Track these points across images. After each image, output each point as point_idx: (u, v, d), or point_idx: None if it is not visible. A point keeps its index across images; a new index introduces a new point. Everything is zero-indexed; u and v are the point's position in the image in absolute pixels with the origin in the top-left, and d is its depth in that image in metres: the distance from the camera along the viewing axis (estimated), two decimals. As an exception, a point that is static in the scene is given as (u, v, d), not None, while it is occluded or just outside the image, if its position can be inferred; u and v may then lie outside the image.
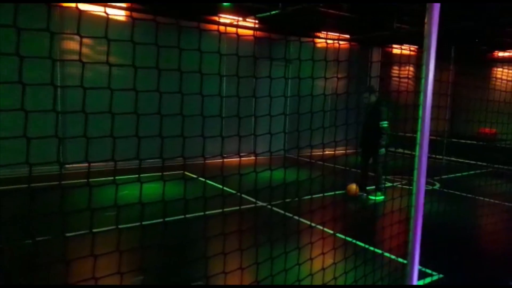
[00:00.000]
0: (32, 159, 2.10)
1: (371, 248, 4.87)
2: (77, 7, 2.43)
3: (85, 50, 8.53)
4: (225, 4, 9.87)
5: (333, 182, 7.05)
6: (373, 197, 7.51)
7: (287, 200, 3.57)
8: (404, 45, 13.38)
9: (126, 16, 9.10)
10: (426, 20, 2.97)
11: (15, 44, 2.15)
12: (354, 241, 4.90)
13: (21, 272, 3.79)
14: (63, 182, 6.79)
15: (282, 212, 3.97)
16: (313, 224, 3.73)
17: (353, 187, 7.37)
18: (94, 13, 8.37)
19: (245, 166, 3.32)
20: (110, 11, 8.75)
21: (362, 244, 4.89)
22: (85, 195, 2.47)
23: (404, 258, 3.31)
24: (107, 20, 2.46)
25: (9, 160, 2.17)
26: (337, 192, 6.82)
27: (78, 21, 2.90)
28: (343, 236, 4.24)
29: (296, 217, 3.79)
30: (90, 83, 2.42)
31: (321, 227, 4.06)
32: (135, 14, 8.92)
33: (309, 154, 3.85)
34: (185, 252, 4.67)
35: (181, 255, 4.60)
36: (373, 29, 12.25)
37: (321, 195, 3.74)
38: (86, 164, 2.42)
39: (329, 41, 12.64)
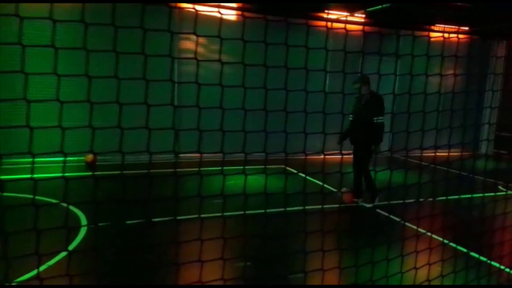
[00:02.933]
0: (151, 148, 2.38)
1: (487, 261, 4.40)
2: (194, 8, 2.66)
3: (200, 49, 9.16)
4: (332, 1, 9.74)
5: (446, 187, 6.49)
6: (369, 205, 6.44)
7: (404, 202, 3.42)
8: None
9: (236, 15, 9.53)
10: None
11: (139, 45, 2.44)
12: (467, 251, 4.48)
13: (139, 249, 4.26)
14: (177, 170, 7.46)
15: (386, 214, 3.81)
16: (421, 230, 3.51)
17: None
18: (208, 13, 8.95)
19: (346, 164, 3.26)
20: (222, 11, 9.23)
21: (476, 255, 4.44)
22: (195, 182, 2.69)
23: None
24: (212, 20, 2.63)
25: (134, 148, 2.48)
26: (449, 198, 6.24)
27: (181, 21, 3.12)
28: (453, 245, 3.91)
29: (403, 222, 3.61)
30: (204, 80, 2.64)
31: (429, 234, 3.81)
32: (245, 14, 9.30)
33: (419, 155, 3.63)
34: (287, 245, 4.75)
35: (283, 247, 4.68)
36: (498, 20, 10.92)
37: (430, 199, 3.50)
38: (198, 154, 2.65)
39: (445, 35, 11.67)
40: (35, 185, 2.25)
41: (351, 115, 6.66)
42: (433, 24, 11.84)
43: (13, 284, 3.46)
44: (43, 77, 7.59)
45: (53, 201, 5.16)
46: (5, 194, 4.47)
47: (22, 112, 7.40)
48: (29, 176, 2.32)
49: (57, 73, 2.33)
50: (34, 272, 3.60)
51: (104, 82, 2.56)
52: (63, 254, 4.08)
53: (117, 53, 2.33)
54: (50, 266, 3.79)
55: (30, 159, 2.33)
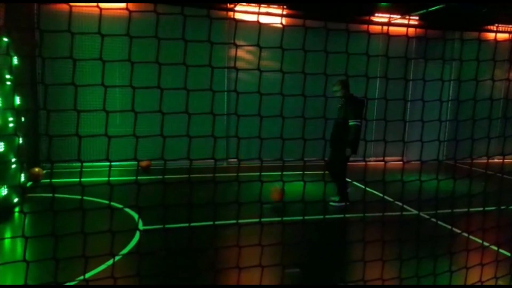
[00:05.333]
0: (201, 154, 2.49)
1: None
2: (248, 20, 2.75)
3: (249, 56, 9.31)
4: (383, 4, 9.55)
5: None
6: (333, 203, 6.40)
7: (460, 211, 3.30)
8: None
9: (291, 23, 9.60)
10: None
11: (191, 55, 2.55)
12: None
13: (195, 252, 4.38)
14: (226, 174, 7.62)
15: (449, 227, 3.69)
16: (486, 243, 3.36)
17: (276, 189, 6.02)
18: (252, 22, 9.07)
19: (395, 171, 3.21)
20: (271, 18, 9.32)
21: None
22: (244, 187, 2.77)
23: None
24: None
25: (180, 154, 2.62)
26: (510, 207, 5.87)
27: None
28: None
29: (466, 234, 3.48)
30: (254, 86, 2.73)
31: (495, 247, 3.64)
32: (288, 20, 9.36)
33: (471, 161, 3.47)
34: (344, 253, 4.71)
35: (340, 255, 4.64)
36: None
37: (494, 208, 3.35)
38: (247, 160, 2.75)
39: (499, 35, 11.04)
40: (111, 190, 2.42)
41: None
42: (493, 25, 11.25)
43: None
44: (118, 89, 8.11)
45: (117, 205, 5.44)
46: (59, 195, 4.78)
47: (91, 120, 7.88)
48: (106, 179, 2.49)
49: (132, 85, 2.48)
50: (93, 272, 3.84)
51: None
52: (123, 253, 4.31)
53: (186, 66, 2.45)
54: (109, 266, 4.00)
55: (101, 164, 2.53)
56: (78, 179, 2.52)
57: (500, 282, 3.34)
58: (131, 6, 2.41)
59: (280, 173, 2.92)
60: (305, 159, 2.90)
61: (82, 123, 8.66)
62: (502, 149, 3.37)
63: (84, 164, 2.56)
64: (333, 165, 6.44)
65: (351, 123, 6.21)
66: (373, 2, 9.55)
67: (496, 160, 3.74)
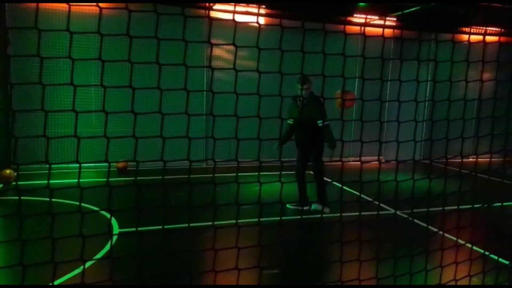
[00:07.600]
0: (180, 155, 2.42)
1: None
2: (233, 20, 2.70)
3: (228, 56, 9.24)
4: (361, 4, 9.64)
5: (487, 195, 6.26)
6: (315, 207, 6.13)
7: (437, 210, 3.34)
8: None
9: (270, 23, 9.58)
10: None
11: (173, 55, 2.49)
12: (509, 263, 4.31)
13: (175, 255, 4.31)
14: (205, 175, 7.54)
15: (424, 224, 3.72)
16: (460, 241, 3.41)
17: None
18: (231, 21, 9.02)
19: (373, 171, 3.24)
20: (245, 18, 9.27)
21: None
22: (222, 188, 2.72)
23: None
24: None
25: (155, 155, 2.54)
26: (489, 206, 6.00)
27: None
28: (495, 257, 3.77)
29: (441, 232, 3.53)
30: (232, 86, 2.67)
31: (469, 245, 3.70)
32: (268, 20, 9.35)
33: (446, 161, 3.52)
34: (316, 253, 4.71)
35: (317, 256, 4.63)
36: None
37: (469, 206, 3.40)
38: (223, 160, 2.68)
39: (475, 37, 11.31)
40: (81, 192, 2.33)
41: (290, 119, 6.10)
42: (468, 26, 11.50)
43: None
44: (94, 89, 7.97)
45: (94, 208, 5.30)
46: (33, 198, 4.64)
47: (67, 120, 7.74)
48: (82, 181, 2.40)
49: (103, 84, 2.40)
50: (68, 276, 3.72)
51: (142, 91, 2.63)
52: (97, 257, 4.19)
53: (160, 65, 2.39)
54: (86, 268, 3.89)
55: (74, 165, 2.48)
56: (53, 181, 2.44)
57: (474, 280, 3.39)
58: (102, 4, 2.33)
59: (257, 173, 2.88)
60: (282, 159, 2.87)
61: (59, 124, 8.51)
62: (476, 148, 3.43)
63: (62, 165, 2.48)
64: (320, 170, 6.09)
65: (321, 123, 5.84)
66: (351, 3, 9.64)
67: (471, 160, 3.79)
